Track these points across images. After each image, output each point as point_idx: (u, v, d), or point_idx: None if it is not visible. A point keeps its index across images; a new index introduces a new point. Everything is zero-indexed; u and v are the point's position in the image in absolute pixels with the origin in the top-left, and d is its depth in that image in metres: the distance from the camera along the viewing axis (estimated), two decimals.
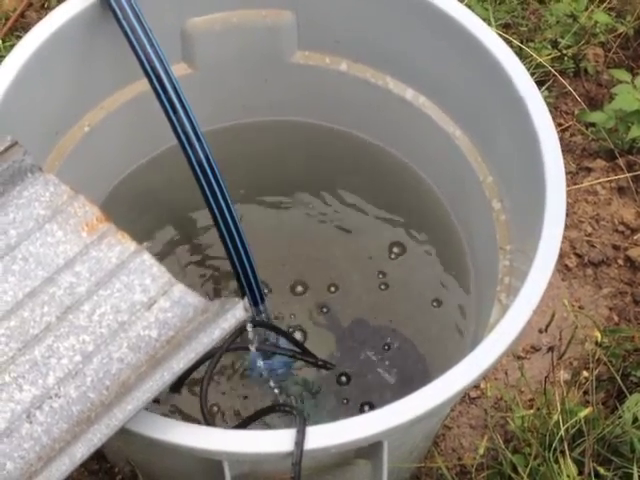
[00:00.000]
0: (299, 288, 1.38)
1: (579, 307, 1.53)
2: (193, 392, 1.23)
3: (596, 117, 1.68)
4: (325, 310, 1.36)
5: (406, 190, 1.39)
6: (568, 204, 1.46)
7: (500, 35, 1.13)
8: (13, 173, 0.91)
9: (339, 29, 1.25)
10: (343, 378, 1.30)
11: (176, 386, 1.19)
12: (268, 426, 1.21)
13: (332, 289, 1.38)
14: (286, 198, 1.44)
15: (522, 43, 1.76)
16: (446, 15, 1.13)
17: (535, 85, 1.08)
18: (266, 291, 1.31)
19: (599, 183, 1.65)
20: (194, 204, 1.23)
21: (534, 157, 1.04)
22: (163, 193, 1.39)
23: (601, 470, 1.21)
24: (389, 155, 1.38)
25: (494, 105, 1.14)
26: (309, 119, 1.39)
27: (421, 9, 1.15)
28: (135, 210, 1.35)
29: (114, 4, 1.09)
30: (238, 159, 1.33)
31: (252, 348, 1.10)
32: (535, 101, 1.07)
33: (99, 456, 1.36)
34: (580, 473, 1.21)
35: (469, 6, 1.16)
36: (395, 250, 1.40)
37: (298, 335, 1.33)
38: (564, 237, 1.00)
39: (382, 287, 1.38)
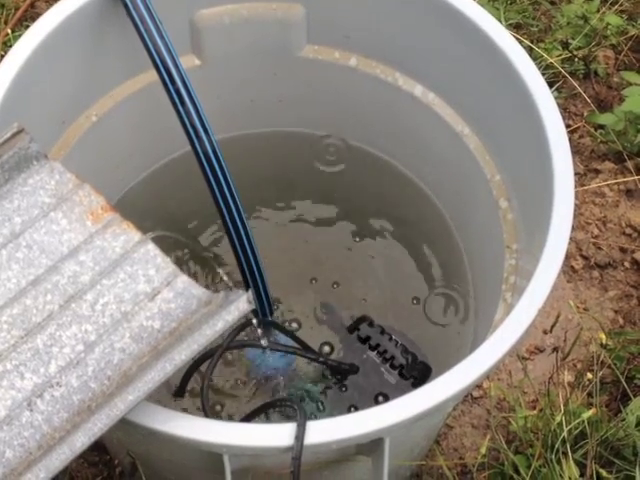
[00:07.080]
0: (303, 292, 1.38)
1: (584, 309, 1.52)
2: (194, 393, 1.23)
3: (605, 119, 1.68)
4: (327, 309, 1.36)
5: (398, 191, 1.39)
6: (575, 205, 1.45)
7: (511, 35, 1.12)
8: (19, 160, 0.90)
9: (350, 24, 1.24)
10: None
11: (179, 391, 1.18)
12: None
13: (334, 288, 1.38)
14: (287, 206, 1.44)
15: (532, 43, 1.75)
16: (459, 13, 1.12)
17: (547, 86, 1.08)
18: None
19: (607, 185, 1.65)
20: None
21: (543, 157, 1.03)
22: (172, 201, 1.39)
23: (603, 472, 1.20)
24: (384, 159, 1.39)
25: (505, 104, 1.13)
26: (313, 128, 1.40)
27: (434, 6, 1.14)
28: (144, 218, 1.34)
29: None
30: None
31: (263, 343, 1.09)
32: (546, 101, 1.06)
33: (99, 448, 1.36)
34: (582, 475, 1.21)
35: (480, 6, 1.16)
36: (389, 251, 1.40)
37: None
38: (571, 238, 1.00)
39: (379, 286, 1.38)
